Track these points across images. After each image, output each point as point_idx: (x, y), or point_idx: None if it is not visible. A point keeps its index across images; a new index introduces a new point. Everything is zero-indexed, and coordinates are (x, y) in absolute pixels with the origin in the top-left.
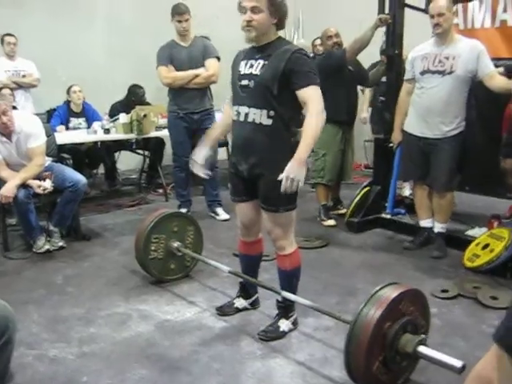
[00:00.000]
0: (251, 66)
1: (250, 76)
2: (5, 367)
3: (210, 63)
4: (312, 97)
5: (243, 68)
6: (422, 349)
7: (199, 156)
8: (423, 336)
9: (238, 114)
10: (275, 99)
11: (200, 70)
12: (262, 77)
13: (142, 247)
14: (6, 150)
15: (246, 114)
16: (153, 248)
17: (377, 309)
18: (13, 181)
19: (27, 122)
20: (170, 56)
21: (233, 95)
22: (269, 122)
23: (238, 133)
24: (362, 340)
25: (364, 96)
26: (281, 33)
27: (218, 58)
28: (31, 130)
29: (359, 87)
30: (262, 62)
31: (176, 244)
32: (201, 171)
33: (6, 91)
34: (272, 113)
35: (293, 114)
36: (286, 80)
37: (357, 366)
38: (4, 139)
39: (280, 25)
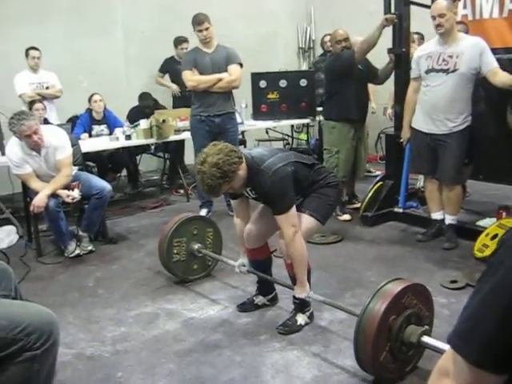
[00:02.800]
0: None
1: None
2: (51, 366)
3: (233, 69)
4: (282, 224)
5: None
6: (425, 339)
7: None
8: (426, 327)
9: None
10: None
11: (223, 75)
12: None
13: (165, 251)
14: (35, 163)
15: None
16: (175, 251)
17: (382, 303)
18: (43, 191)
19: (54, 135)
20: (194, 61)
21: None
22: None
23: None
24: (368, 332)
25: (389, 92)
26: (294, 28)
27: (241, 65)
28: (58, 143)
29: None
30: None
31: (197, 246)
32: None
33: (39, 105)
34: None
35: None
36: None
37: (365, 357)
38: (34, 153)
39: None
